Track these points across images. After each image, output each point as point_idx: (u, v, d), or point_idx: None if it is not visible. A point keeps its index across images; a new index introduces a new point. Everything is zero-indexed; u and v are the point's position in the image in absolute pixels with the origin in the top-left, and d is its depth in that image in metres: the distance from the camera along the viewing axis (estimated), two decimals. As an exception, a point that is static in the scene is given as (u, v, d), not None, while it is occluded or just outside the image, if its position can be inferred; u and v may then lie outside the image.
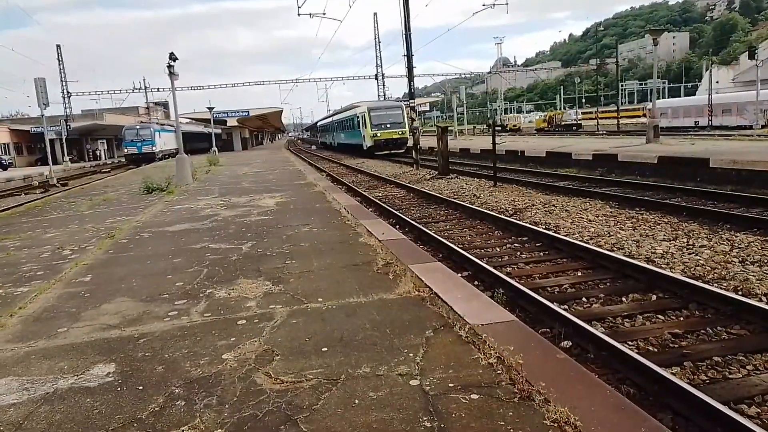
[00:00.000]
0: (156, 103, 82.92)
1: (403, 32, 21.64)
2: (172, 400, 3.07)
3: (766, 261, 6.75)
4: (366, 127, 35.14)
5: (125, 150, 47.11)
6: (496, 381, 3.05)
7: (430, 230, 9.62)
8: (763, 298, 5.51)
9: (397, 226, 10.08)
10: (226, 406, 2.95)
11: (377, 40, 58.29)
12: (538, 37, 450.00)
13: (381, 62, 59.01)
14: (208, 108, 45.45)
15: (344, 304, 4.55)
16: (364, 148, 35.84)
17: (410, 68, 22.32)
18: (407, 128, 33.44)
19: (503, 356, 3.29)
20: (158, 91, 72.40)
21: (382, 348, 3.61)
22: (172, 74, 17.45)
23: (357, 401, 2.93)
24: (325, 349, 3.66)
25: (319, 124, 73.10)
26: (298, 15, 26.30)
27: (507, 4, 26.54)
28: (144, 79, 66.95)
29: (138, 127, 48.35)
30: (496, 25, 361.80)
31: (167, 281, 5.64)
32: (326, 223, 8.61)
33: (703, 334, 4.85)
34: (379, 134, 34.02)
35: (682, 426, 3.46)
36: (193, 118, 59.72)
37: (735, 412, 3.38)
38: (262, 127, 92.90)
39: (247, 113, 56.31)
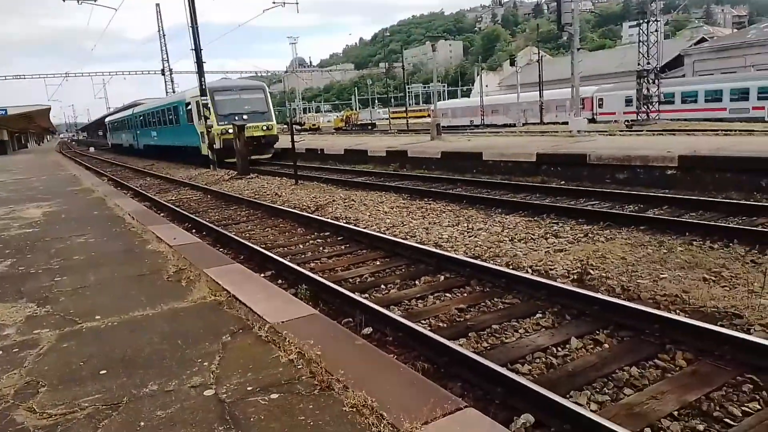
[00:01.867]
0: None
1: (190, 24, 20.36)
2: None
3: (530, 238, 7.82)
4: (207, 119, 22.71)
5: None
6: (297, 376, 2.98)
7: (230, 232, 9.21)
8: (529, 270, 6.36)
9: (193, 231, 9.44)
10: (-33, 461, 2.39)
11: (161, 32, 53.62)
12: (331, 39, 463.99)
13: (167, 56, 54.55)
14: (-51, 105, 37.49)
15: (128, 320, 4.06)
16: (204, 152, 23.48)
17: (200, 63, 21.12)
18: (275, 120, 24.66)
19: (303, 350, 3.24)
20: None
21: (173, 361, 3.29)
22: None
23: (143, 423, 2.61)
24: (103, 371, 3.21)
25: (109, 120, 55.52)
26: (64, 0, 22.83)
27: (297, 3, 26.70)
28: None
29: None
30: (290, 26, 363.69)
31: None
32: (106, 231, 7.67)
33: (484, 306, 5.39)
34: (231, 131, 21.87)
35: (468, 391, 3.79)
36: (-73, 118, 48.67)
37: (511, 371, 3.80)
38: (27, 128, 79.95)
39: (4, 112, 47.75)
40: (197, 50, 20.85)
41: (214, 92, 23.42)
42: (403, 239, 8.01)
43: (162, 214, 11.10)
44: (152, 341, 3.62)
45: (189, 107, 25.37)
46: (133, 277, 5.22)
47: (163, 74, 53.49)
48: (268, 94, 25.02)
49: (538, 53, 53.78)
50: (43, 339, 3.81)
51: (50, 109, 56.76)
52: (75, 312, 4.31)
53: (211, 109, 22.88)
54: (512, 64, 50.95)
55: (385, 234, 8.43)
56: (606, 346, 4.30)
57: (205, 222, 10.28)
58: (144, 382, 3.05)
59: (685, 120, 33.03)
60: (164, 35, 52.64)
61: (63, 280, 5.26)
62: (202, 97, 22.40)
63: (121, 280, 5.13)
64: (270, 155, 24.62)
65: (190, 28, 20.51)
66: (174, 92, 51.18)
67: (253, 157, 22.41)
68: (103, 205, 10.58)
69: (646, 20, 33.05)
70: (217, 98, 23.20)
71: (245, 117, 22.75)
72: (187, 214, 11.43)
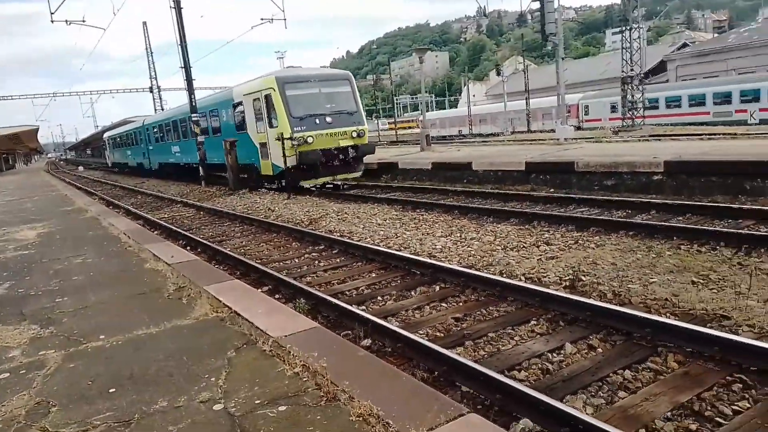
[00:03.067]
0: None
1: (179, 42, 20.46)
2: None
3: (522, 246, 7.95)
4: (273, 126, 16.28)
5: None
6: (303, 389, 3.07)
7: (225, 248, 9.27)
8: (522, 278, 6.47)
9: (189, 248, 9.49)
10: (-14, 481, 2.45)
11: (149, 50, 53.59)
12: (319, 53, 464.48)
13: (155, 74, 54.53)
14: (-65, 127, 37.28)
15: (132, 338, 4.13)
16: (266, 171, 17.38)
17: (189, 80, 21.16)
18: (365, 123, 17.61)
19: (308, 363, 3.33)
20: None
21: (180, 377, 3.37)
22: None
23: (155, 440, 2.69)
24: (112, 390, 3.29)
25: (108, 135, 45.58)
26: (52, 22, 22.76)
27: (285, 19, 26.86)
28: None
29: None
30: (278, 41, 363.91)
31: None
32: (103, 251, 7.73)
33: (479, 315, 5.49)
34: (310, 139, 15.80)
35: (469, 398, 3.89)
36: None
37: (509, 378, 3.90)
38: (14, 149, 79.56)
39: (-9, 132, 47.59)
40: (186, 66, 20.91)
41: (285, 84, 16.18)
42: (398, 251, 8.11)
43: (156, 232, 11.14)
44: (158, 359, 3.69)
45: (239, 109, 18.26)
46: (134, 296, 5.29)
47: (152, 91, 53.49)
48: (356, 87, 18.08)
49: (524, 62, 54.51)
50: (49, 360, 3.87)
51: (38, 129, 56.57)
52: (79, 332, 4.37)
53: (281, 108, 15.88)
54: (498, 73, 51.71)
55: (379, 246, 8.52)
56: (599, 350, 4.42)
57: (199, 239, 10.33)
58: (153, 398, 3.12)
59: (670, 125, 33.55)
60: (152, 53, 52.66)
61: (64, 301, 5.31)
62: (278, 84, 15.98)
63: (123, 300, 5.20)
64: (359, 173, 17.72)
65: (179, 45, 20.62)
66: (162, 109, 50.18)
67: (338, 179, 17.19)
68: (98, 224, 10.63)
69: (628, 27, 33.63)
70: (288, 92, 16.07)
71: (328, 119, 16.37)
72: (181, 231, 11.47)
